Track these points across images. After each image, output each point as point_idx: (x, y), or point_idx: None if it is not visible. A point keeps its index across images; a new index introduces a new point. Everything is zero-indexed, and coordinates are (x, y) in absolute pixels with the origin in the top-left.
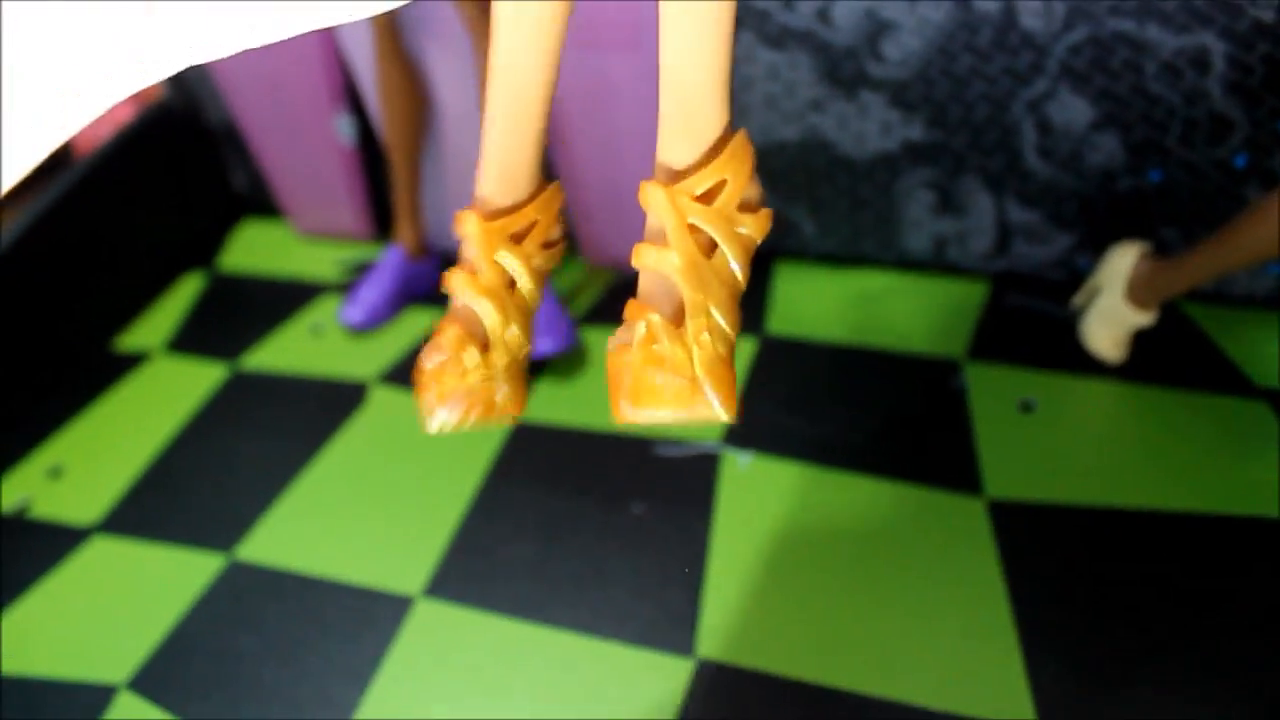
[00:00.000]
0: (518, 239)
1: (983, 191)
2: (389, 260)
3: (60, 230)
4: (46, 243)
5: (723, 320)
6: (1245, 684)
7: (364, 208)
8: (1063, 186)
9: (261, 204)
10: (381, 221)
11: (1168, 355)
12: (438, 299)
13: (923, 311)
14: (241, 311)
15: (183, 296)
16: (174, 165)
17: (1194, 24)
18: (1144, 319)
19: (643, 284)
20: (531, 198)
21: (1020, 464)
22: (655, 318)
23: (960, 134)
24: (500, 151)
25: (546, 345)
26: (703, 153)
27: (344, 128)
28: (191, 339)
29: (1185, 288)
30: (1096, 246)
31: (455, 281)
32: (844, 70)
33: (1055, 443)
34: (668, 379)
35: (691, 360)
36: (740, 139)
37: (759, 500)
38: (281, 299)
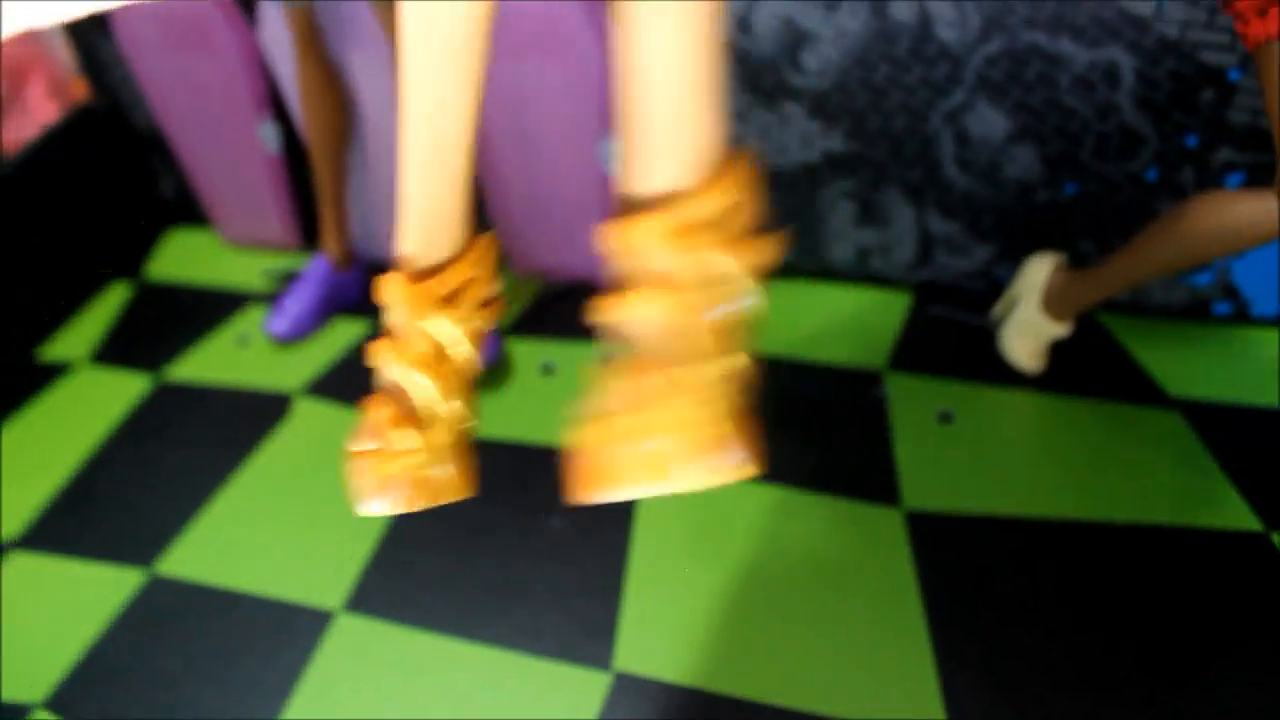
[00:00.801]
0: (450, 300)
1: (904, 203)
2: (314, 271)
3: None
4: None
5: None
6: (1153, 690)
7: (291, 216)
8: (981, 198)
9: (189, 211)
10: (309, 230)
11: (1084, 366)
12: (364, 309)
13: (846, 322)
14: (167, 321)
15: (108, 305)
16: (100, 170)
17: (1104, 38)
18: (1060, 330)
19: (627, 341)
20: (463, 252)
21: (937, 475)
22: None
23: (880, 145)
24: (422, 201)
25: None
26: (695, 173)
27: (268, 135)
28: (116, 349)
29: (1099, 299)
30: (1015, 258)
31: (381, 355)
32: (765, 80)
33: (972, 453)
34: (663, 444)
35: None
36: (743, 158)
37: (677, 513)
38: (208, 309)
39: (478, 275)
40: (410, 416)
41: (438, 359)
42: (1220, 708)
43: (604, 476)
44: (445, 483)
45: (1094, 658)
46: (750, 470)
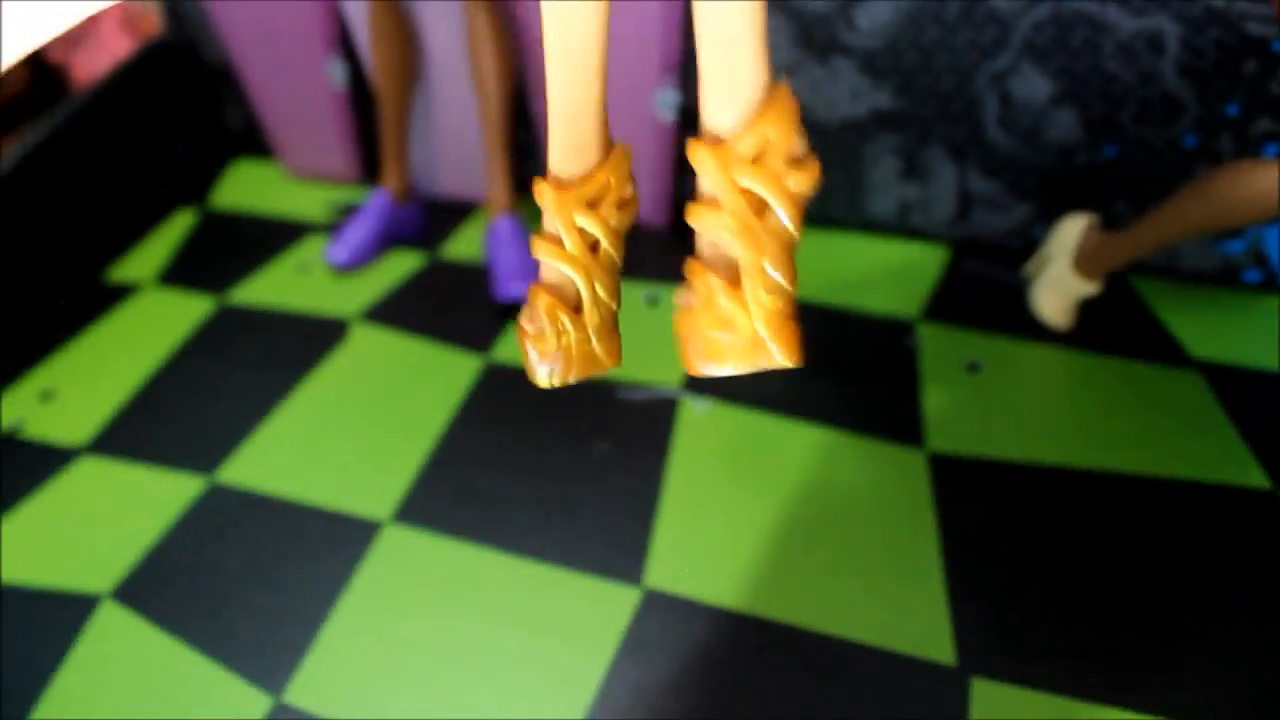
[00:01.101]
0: (594, 204)
1: (946, 160)
2: (375, 203)
3: (57, 162)
4: (43, 173)
5: (779, 275)
6: (1157, 638)
7: (353, 151)
8: (1022, 159)
9: (254, 143)
10: (370, 165)
11: (1112, 325)
12: (420, 241)
13: (883, 273)
14: (231, 247)
15: (174, 231)
16: (170, 101)
17: (1151, 7)
18: (1090, 289)
19: (700, 242)
20: (601, 163)
21: (962, 421)
22: (714, 281)
23: (926, 104)
24: (566, 127)
25: (521, 288)
26: (747, 111)
27: (335, 72)
28: (182, 272)
29: (1129, 259)
30: (1052, 218)
31: (542, 250)
32: (817, 36)
33: (997, 403)
34: (730, 338)
35: (750, 319)
36: (783, 94)
37: (713, 444)
38: (270, 237)
39: (615, 180)
40: (567, 303)
41: (587, 252)
42: (1222, 655)
43: (685, 354)
44: (596, 357)
45: (1101, 603)
46: (787, 363)
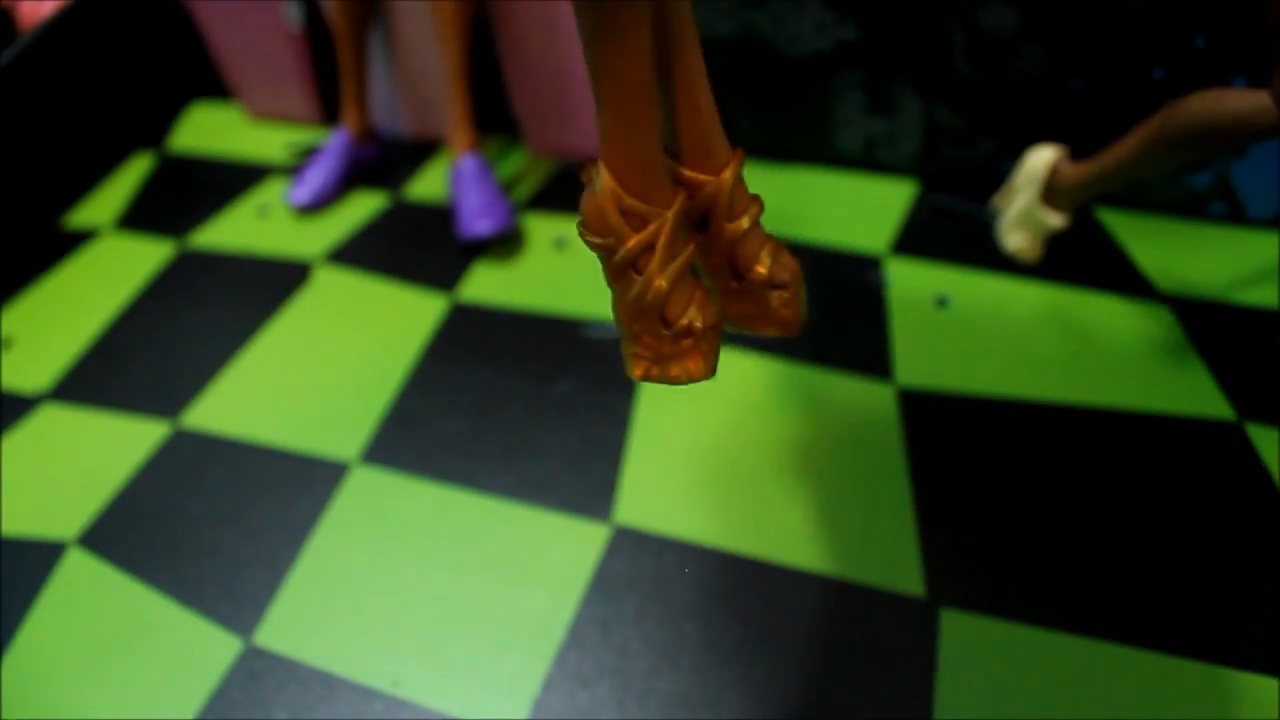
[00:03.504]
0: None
1: (912, 94)
2: (335, 143)
3: (9, 106)
4: None
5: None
6: (1126, 568)
7: (312, 92)
8: (988, 92)
9: (212, 85)
10: (330, 106)
11: (1079, 259)
12: (382, 181)
13: (851, 208)
14: (190, 191)
15: (132, 175)
16: (125, 43)
17: None
18: (1057, 221)
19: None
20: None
21: (930, 355)
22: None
23: (892, 36)
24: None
25: (485, 227)
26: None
27: (291, 13)
28: (140, 217)
29: (1097, 192)
30: (1019, 151)
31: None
32: None
33: (965, 336)
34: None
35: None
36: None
37: None
38: (230, 180)
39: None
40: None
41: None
42: (1187, 584)
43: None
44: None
45: (1068, 534)
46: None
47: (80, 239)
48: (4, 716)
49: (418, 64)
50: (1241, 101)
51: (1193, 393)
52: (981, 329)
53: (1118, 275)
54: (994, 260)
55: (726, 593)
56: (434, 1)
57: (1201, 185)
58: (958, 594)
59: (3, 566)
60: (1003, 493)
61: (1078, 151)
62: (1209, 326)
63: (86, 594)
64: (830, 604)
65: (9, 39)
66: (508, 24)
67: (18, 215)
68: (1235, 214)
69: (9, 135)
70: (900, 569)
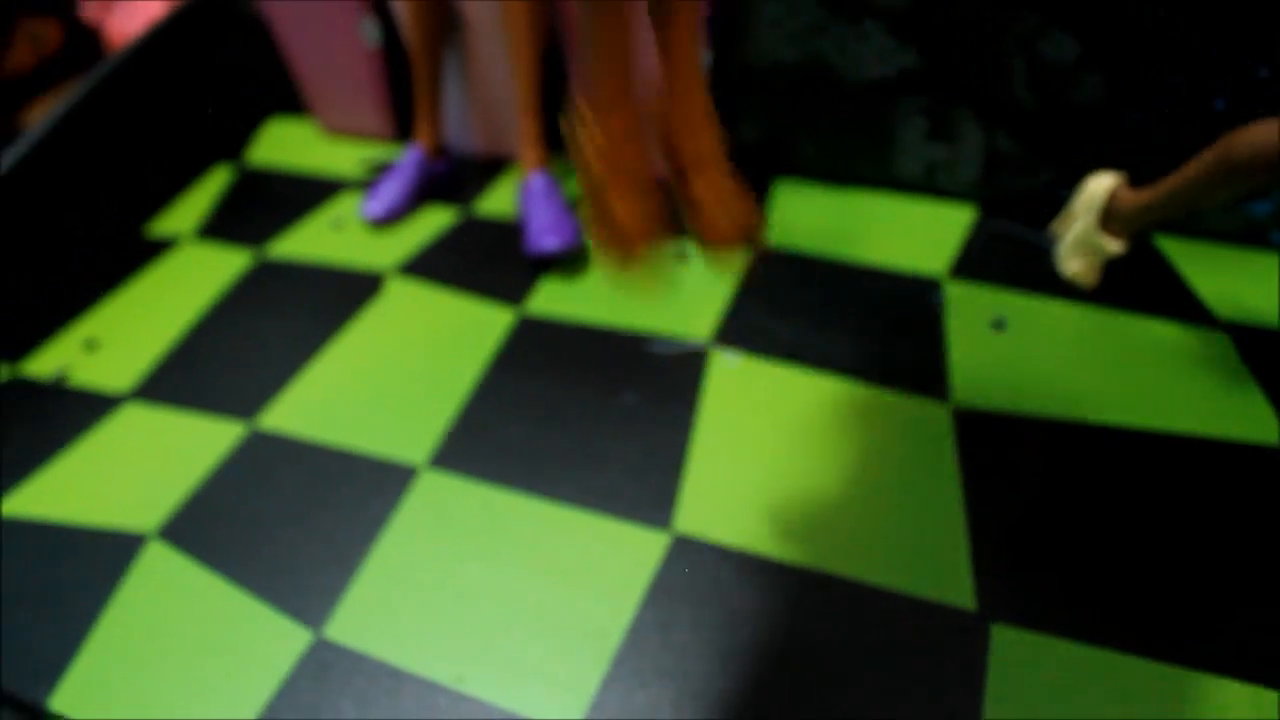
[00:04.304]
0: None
1: (973, 121)
2: (409, 159)
3: (98, 119)
4: (85, 131)
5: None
6: (1177, 589)
7: (387, 109)
8: (1049, 120)
9: (290, 101)
10: (403, 123)
11: (1136, 285)
12: (452, 196)
13: (910, 232)
14: (267, 203)
15: (212, 187)
16: (207, 60)
17: None
18: (1115, 248)
19: None
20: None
21: (986, 376)
22: None
23: (953, 64)
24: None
25: (553, 243)
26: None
27: (369, 30)
28: (220, 227)
29: (1155, 220)
30: (1078, 180)
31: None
32: None
33: (1021, 359)
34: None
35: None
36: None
37: (742, 396)
38: (306, 193)
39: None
40: None
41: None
42: (1240, 608)
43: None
44: None
45: (1119, 555)
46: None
47: (163, 247)
48: (84, 695)
49: (490, 83)
50: None
51: (1249, 419)
52: (1037, 352)
53: (1175, 301)
54: (1051, 285)
55: (782, 601)
56: (507, 22)
57: (1262, 214)
58: (1008, 609)
59: (86, 555)
60: (1055, 512)
61: (1137, 181)
62: (1267, 354)
63: (165, 583)
64: (882, 615)
65: (97, 56)
66: (579, 45)
67: (105, 224)
68: None
69: (98, 148)
70: (952, 583)
